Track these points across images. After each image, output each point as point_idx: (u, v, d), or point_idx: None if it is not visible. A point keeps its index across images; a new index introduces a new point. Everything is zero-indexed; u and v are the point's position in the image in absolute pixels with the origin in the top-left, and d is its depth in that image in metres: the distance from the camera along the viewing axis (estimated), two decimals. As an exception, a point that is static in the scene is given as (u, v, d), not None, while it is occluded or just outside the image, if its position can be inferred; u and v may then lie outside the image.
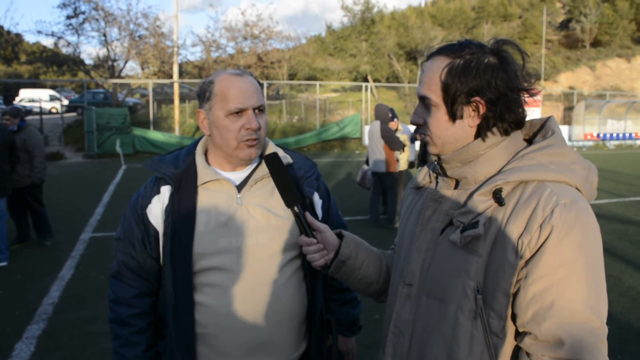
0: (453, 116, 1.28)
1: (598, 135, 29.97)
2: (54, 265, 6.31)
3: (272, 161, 1.57)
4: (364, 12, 39.46)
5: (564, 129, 29.08)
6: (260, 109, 1.69)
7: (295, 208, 1.52)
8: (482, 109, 1.25)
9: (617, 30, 45.38)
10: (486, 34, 41.34)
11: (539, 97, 29.45)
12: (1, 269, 6.22)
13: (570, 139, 29.13)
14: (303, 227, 1.53)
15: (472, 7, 50.74)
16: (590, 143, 29.41)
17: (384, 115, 8.22)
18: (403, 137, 8.46)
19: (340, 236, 1.58)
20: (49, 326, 4.61)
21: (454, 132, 1.29)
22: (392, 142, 8.03)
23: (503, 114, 1.25)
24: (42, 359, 4.03)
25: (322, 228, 1.55)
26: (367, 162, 8.84)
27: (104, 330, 4.43)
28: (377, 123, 8.19)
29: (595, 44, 46.42)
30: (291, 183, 1.55)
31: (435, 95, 1.28)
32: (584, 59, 43.95)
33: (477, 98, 1.25)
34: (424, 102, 1.33)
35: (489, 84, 1.23)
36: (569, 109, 33.37)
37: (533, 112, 25.30)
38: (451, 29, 45.41)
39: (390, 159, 8.09)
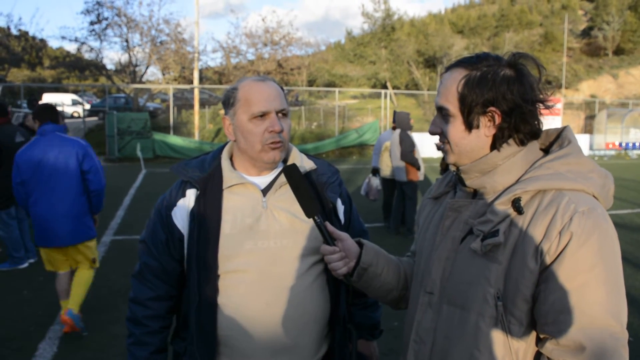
0: (469, 126, 1.32)
1: (620, 145, 29.53)
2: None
3: (290, 172, 1.57)
4: (384, 19, 39.44)
5: (585, 138, 28.69)
6: (283, 113, 1.73)
7: (316, 217, 1.52)
8: (497, 120, 1.29)
9: (640, 38, 44.78)
10: (507, 41, 41.07)
11: (559, 106, 29.14)
12: (24, 271, 6.33)
13: (591, 148, 28.74)
14: (324, 236, 1.53)
15: (493, 14, 50.47)
16: (612, 152, 28.99)
17: (405, 122, 8.15)
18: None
19: (359, 244, 1.59)
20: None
21: (470, 141, 1.33)
22: (404, 153, 7.91)
23: (518, 125, 1.29)
24: (65, 359, 4.09)
25: (343, 236, 1.55)
26: (373, 172, 8.69)
27: (125, 332, 4.48)
28: (398, 130, 8.11)
29: (618, 51, 45.88)
30: (310, 193, 1.55)
31: (453, 106, 1.33)
32: (606, 67, 43.44)
33: (493, 109, 1.28)
34: (442, 113, 1.37)
35: (504, 95, 1.27)
36: (591, 117, 32.92)
37: (553, 121, 25.00)
38: (471, 36, 45.21)
39: (410, 167, 8.02)
